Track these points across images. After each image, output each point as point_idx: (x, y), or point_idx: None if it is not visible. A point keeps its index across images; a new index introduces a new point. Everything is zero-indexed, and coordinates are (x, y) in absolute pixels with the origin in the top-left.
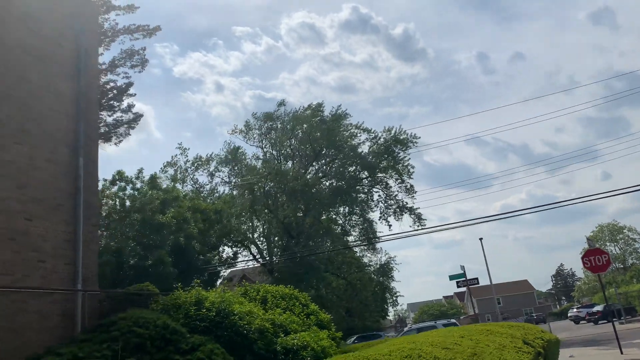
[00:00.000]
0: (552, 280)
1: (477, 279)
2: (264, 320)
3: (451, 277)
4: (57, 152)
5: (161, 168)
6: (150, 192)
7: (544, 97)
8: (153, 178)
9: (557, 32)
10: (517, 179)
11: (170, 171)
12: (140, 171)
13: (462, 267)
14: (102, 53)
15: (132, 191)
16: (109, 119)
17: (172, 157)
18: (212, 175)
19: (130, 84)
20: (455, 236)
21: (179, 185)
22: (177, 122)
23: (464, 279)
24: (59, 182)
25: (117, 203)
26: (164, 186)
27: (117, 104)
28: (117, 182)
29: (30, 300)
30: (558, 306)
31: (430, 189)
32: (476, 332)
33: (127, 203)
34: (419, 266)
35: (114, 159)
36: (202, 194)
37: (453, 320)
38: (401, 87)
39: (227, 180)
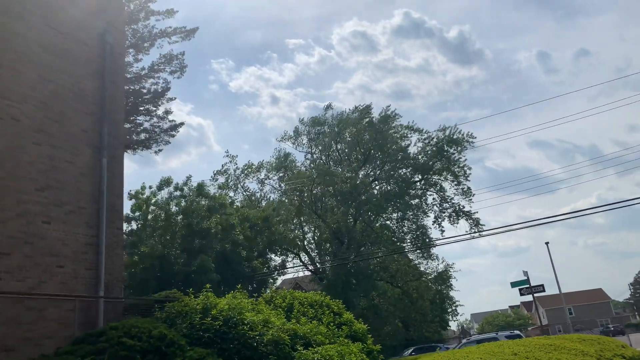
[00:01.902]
0: (630, 289)
1: (542, 285)
2: (281, 331)
3: (513, 285)
4: (79, 153)
5: (211, 176)
6: (197, 198)
7: (613, 93)
8: (200, 185)
9: (623, 25)
10: (585, 181)
11: (221, 179)
12: (188, 178)
13: (525, 273)
14: (142, 58)
15: (179, 198)
16: (147, 124)
17: (222, 165)
18: (262, 182)
19: (167, 89)
20: (520, 243)
21: (231, 193)
22: (235, 135)
23: (528, 285)
24: (80, 184)
25: (164, 209)
26: (212, 193)
27: (154, 109)
28: (165, 187)
29: (50, 308)
30: (638, 317)
31: (492, 195)
32: (536, 347)
33: (174, 209)
34: (483, 275)
35: (174, 171)
36: (253, 202)
37: (517, 332)
38: (458, 91)
39: (278, 187)
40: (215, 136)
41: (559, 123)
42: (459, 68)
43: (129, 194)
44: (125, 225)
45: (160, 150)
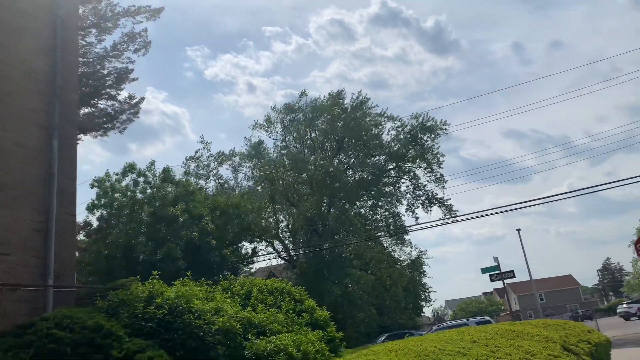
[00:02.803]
0: (598, 275)
1: (512, 271)
2: (233, 319)
3: (483, 271)
4: (27, 134)
5: (183, 163)
6: (162, 185)
7: (585, 84)
8: (165, 171)
9: (596, 17)
10: (558, 171)
11: (193, 166)
12: (152, 164)
13: (496, 259)
14: (104, 39)
15: (144, 184)
16: (109, 110)
17: (195, 152)
18: (236, 170)
19: (129, 70)
20: (495, 232)
21: (202, 182)
22: (212, 123)
23: (498, 271)
24: (29, 167)
25: (128, 196)
26: (181, 180)
27: (117, 92)
28: (129, 174)
29: None
30: (606, 302)
31: (467, 184)
32: (498, 334)
33: (139, 196)
34: (458, 263)
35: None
36: (226, 190)
37: (487, 318)
38: (435, 81)
39: (251, 175)
40: (191, 125)
41: (530, 109)
42: (436, 58)
43: (93, 181)
44: (91, 214)
45: (124, 129)
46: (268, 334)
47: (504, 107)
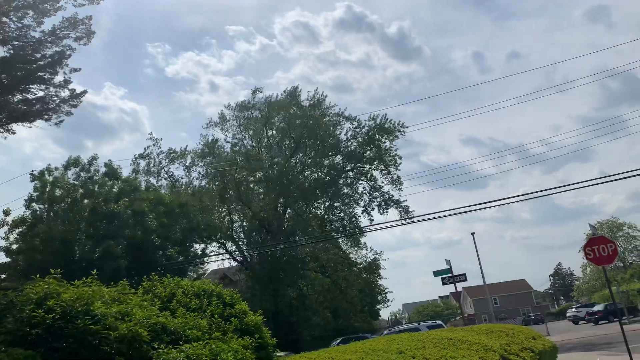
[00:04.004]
0: (550, 280)
1: (464, 274)
2: (141, 325)
3: (436, 273)
4: None
5: (132, 160)
6: (104, 179)
7: (541, 96)
8: (108, 166)
9: (553, 30)
10: (514, 178)
11: (142, 163)
12: (94, 157)
13: (448, 262)
14: (43, 21)
15: (86, 180)
16: (41, 89)
17: (145, 149)
18: (188, 169)
19: (64, 54)
20: (452, 236)
21: (153, 180)
22: (172, 122)
23: (450, 275)
24: None
25: (68, 190)
26: (126, 176)
27: (50, 77)
28: (72, 167)
29: None
30: (556, 306)
31: (426, 190)
32: (432, 342)
33: (80, 191)
34: (417, 266)
35: (106, 158)
36: (177, 188)
37: (439, 322)
38: (398, 86)
39: (205, 174)
40: (151, 123)
41: (489, 115)
42: (399, 64)
43: (31, 174)
44: (28, 209)
45: (61, 122)
46: (182, 342)
47: (463, 114)
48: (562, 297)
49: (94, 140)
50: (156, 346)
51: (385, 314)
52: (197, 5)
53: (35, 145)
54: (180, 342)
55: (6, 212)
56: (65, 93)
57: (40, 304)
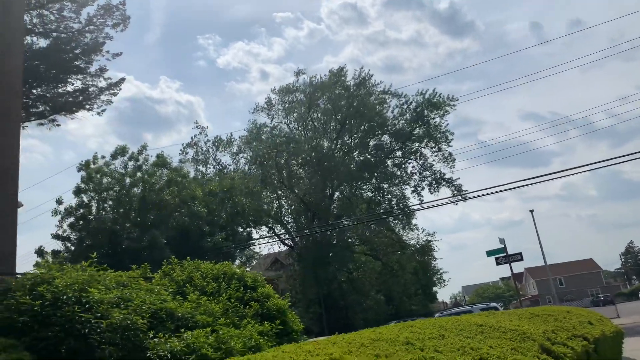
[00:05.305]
0: (621, 259)
1: (520, 253)
2: (140, 312)
3: (489, 253)
4: None
5: (181, 150)
6: (153, 169)
7: (606, 64)
8: (159, 156)
9: None
10: (579, 154)
11: (191, 153)
12: (144, 147)
13: (502, 241)
14: (81, 12)
15: (135, 169)
16: (78, 79)
17: (192, 137)
18: (235, 155)
19: (98, 42)
20: (513, 217)
21: (202, 168)
22: (226, 112)
23: (504, 254)
24: None
25: (117, 180)
26: (176, 166)
27: (86, 64)
28: (119, 157)
29: None
30: (628, 286)
31: (487, 168)
32: (455, 331)
33: (128, 180)
34: (476, 249)
35: (165, 150)
36: (225, 175)
37: (493, 304)
38: (451, 63)
39: (250, 159)
40: (206, 113)
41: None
42: (451, 40)
43: (79, 164)
44: (78, 199)
45: (103, 111)
46: (184, 329)
47: (522, 88)
48: (634, 277)
49: (153, 133)
50: (155, 334)
51: (444, 296)
52: None
53: (100, 141)
54: (182, 330)
55: (59, 201)
56: (102, 83)
57: (32, 289)
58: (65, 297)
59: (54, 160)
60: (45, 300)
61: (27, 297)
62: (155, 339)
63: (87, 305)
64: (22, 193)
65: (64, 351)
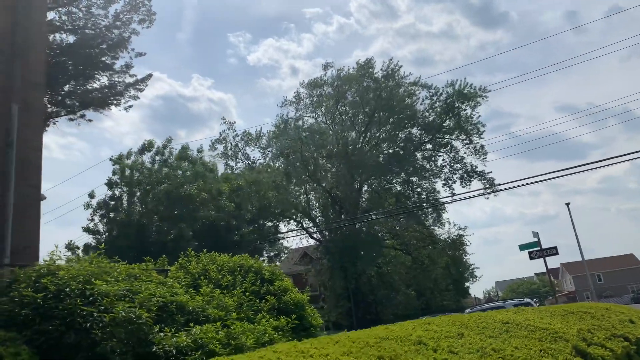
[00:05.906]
0: None
1: (555, 247)
2: (147, 305)
3: (522, 247)
4: None
5: (210, 145)
6: (178, 163)
7: None
8: (183, 149)
9: None
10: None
11: (220, 148)
12: (168, 141)
13: (536, 234)
14: (109, 9)
15: (161, 163)
16: (105, 75)
17: (220, 133)
18: (264, 150)
19: (124, 39)
20: (548, 211)
21: (232, 162)
22: (257, 108)
23: (538, 248)
24: None
25: (144, 174)
26: (202, 160)
27: (111, 60)
28: (146, 152)
29: None
30: None
31: (521, 162)
32: (476, 329)
33: (156, 174)
34: (510, 243)
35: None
36: (254, 170)
37: (527, 300)
38: (483, 55)
39: (277, 153)
40: (237, 110)
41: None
42: (484, 31)
43: (111, 159)
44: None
45: (130, 107)
46: (193, 324)
47: (558, 78)
48: None
49: (186, 130)
50: (161, 329)
51: (477, 292)
52: None
53: (135, 138)
54: (191, 324)
55: (91, 195)
56: (128, 79)
57: (37, 281)
58: (68, 289)
59: (90, 156)
60: (48, 292)
61: (30, 290)
62: (162, 334)
63: (90, 298)
64: (57, 188)
65: (65, 347)
